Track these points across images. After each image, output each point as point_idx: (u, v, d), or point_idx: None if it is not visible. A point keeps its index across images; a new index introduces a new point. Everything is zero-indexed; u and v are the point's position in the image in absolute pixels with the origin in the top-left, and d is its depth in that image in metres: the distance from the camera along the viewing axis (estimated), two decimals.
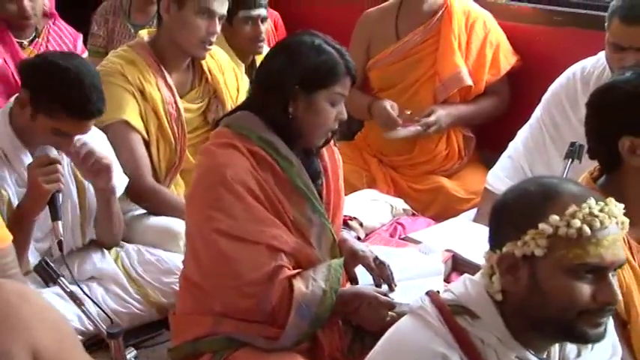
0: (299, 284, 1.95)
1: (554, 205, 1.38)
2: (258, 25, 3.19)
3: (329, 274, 1.99)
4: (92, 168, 2.23)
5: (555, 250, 1.37)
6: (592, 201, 1.38)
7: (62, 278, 1.83)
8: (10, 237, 1.89)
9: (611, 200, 1.41)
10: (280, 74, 2.00)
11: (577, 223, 1.35)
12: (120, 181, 2.43)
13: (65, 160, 2.28)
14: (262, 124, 2.02)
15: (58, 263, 2.01)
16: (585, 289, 1.36)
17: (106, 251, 2.47)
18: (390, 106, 3.15)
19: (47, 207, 2.13)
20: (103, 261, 2.43)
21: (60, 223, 2.11)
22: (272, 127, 2.01)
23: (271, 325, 1.96)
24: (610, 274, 1.38)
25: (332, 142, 2.19)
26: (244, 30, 3.18)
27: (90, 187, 2.35)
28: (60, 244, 2.09)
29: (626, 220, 1.42)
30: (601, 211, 1.37)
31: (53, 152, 2.17)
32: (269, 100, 2.02)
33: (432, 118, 3.13)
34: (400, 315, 1.83)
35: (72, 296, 1.83)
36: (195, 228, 2.02)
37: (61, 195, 2.16)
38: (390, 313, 1.97)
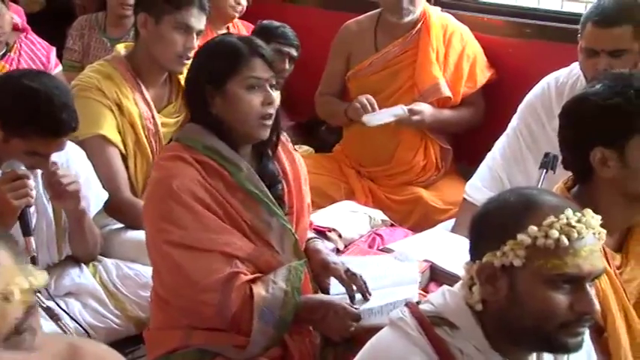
0: (258, 289, 1.93)
1: (533, 216, 1.38)
2: (285, 61, 3.32)
3: (289, 274, 1.98)
4: (58, 193, 2.19)
5: (534, 260, 1.37)
6: (569, 212, 1.38)
7: (38, 294, 1.79)
8: None
9: (588, 211, 1.41)
10: (192, 80, 2.04)
11: (555, 233, 1.35)
12: (99, 197, 2.40)
13: (38, 176, 2.24)
14: (205, 132, 2.01)
15: None
16: (563, 299, 1.36)
17: (84, 266, 2.43)
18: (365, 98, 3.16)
19: (18, 223, 2.08)
20: (81, 276, 2.39)
21: (32, 239, 2.07)
22: (214, 133, 2.00)
23: (237, 332, 1.94)
24: (587, 285, 1.38)
25: (292, 147, 2.18)
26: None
27: None
28: (33, 259, 2.05)
29: (603, 231, 1.42)
30: (578, 221, 1.37)
31: (21, 167, 2.13)
32: (194, 107, 2.05)
33: (418, 108, 3.14)
34: (365, 328, 1.83)
35: (48, 312, 1.80)
36: (151, 241, 2.02)
37: (32, 210, 2.13)
38: (354, 324, 1.95)
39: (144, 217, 2.07)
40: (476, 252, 1.44)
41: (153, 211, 2.00)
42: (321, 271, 2.16)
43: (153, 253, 2.03)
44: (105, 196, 2.45)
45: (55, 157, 2.27)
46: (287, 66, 3.46)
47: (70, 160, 2.35)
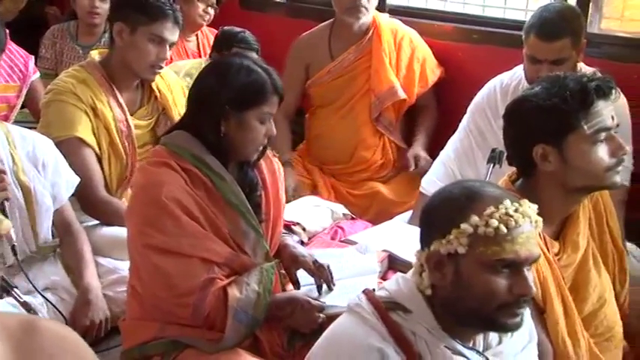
0: (233, 291, 1.94)
1: (475, 207, 1.41)
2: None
3: (261, 276, 1.99)
4: None
5: (475, 247, 1.39)
6: (508, 202, 1.41)
7: (16, 289, 1.78)
8: None
9: (525, 201, 1.44)
10: (211, 95, 1.98)
11: (494, 222, 1.38)
12: (70, 182, 2.37)
13: (8, 167, 2.21)
14: (196, 143, 2.00)
15: (14, 270, 1.94)
16: (502, 282, 1.39)
17: (59, 263, 2.39)
18: (293, 189, 3.12)
19: None
20: (57, 273, 2.35)
21: (11, 229, 2.05)
22: (205, 145, 2.00)
23: (210, 329, 1.95)
24: (525, 269, 1.41)
25: (271, 153, 2.19)
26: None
27: (36, 188, 2.26)
28: (13, 248, 2.04)
29: (540, 219, 1.46)
30: (516, 211, 1.40)
31: None
32: (201, 120, 2.00)
33: (415, 153, 3.22)
34: (331, 316, 1.86)
35: (25, 306, 1.77)
36: (132, 243, 2.01)
37: (7, 203, 2.10)
38: (321, 315, 1.98)
39: (127, 218, 2.05)
40: (425, 241, 1.47)
41: (137, 215, 1.98)
42: (290, 264, 2.17)
43: (134, 253, 2.01)
44: (76, 180, 2.41)
45: (20, 146, 2.25)
46: None
47: (37, 148, 2.30)
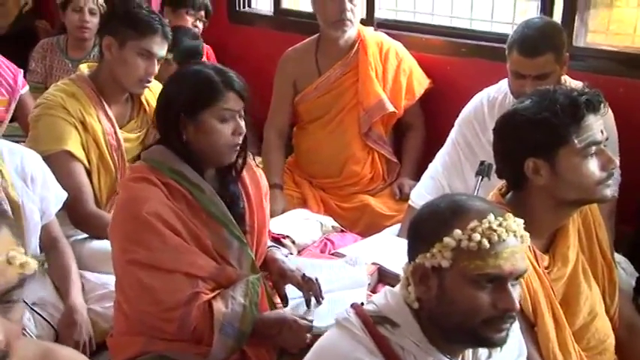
0: (218, 305, 1.91)
1: (460, 221, 1.39)
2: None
3: (247, 289, 1.96)
4: None
5: (459, 261, 1.38)
6: (492, 217, 1.39)
7: None
8: None
9: (510, 216, 1.42)
10: (166, 106, 1.98)
11: (477, 237, 1.37)
12: (58, 196, 2.35)
13: None
14: (172, 155, 1.97)
15: None
16: (486, 297, 1.37)
17: (47, 278, 2.36)
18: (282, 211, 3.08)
19: None
20: (44, 289, 2.32)
21: None
22: (180, 156, 1.97)
23: (198, 344, 1.92)
24: (510, 284, 1.39)
25: (254, 163, 2.15)
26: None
27: (25, 203, 2.23)
28: None
29: (526, 234, 1.44)
30: (499, 225, 1.38)
31: None
32: (165, 132, 2.00)
33: (402, 183, 3.24)
34: (319, 336, 1.83)
35: None
36: (116, 259, 1.98)
37: None
38: (308, 335, 1.95)
39: (110, 234, 2.02)
40: (411, 254, 1.45)
41: (119, 231, 1.96)
42: (279, 279, 2.15)
43: (118, 269, 1.99)
44: (64, 195, 2.39)
45: (9, 159, 2.22)
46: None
47: (25, 162, 2.28)
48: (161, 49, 2.59)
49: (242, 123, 1.99)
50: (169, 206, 1.92)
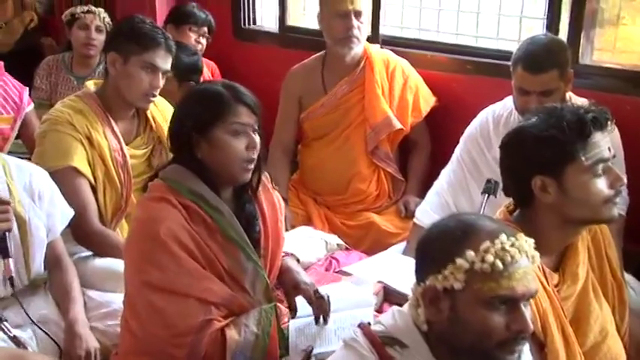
0: (232, 333, 1.89)
1: (471, 241, 1.38)
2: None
3: (260, 317, 1.95)
4: None
5: (472, 283, 1.36)
6: (504, 237, 1.38)
7: (5, 323, 1.73)
8: None
9: (521, 236, 1.41)
10: (177, 126, 1.98)
11: (490, 258, 1.35)
12: (65, 214, 2.35)
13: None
14: (191, 175, 1.96)
15: (4, 303, 1.89)
16: (500, 319, 1.36)
17: (50, 296, 2.34)
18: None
19: None
20: (46, 307, 2.30)
21: (11, 260, 2.04)
22: (198, 176, 1.96)
23: None
24: (522, 305, 1.38)
25: (271, 186, 2.14)
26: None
27: (31, 220, 2.23)
28: (11, 279, 2.02)
29: (536, 254, 1.43)
30: (512, 246, 1.37)
31: (2, 193, 2.07)
32: (179, 151, 1.99)
33: (408, 200, 3.22)
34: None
35: (14, 341, 1.72)
36: (130, 278, 1.96)
37: (9, 234, 2.07)
38: None
39: (125, 253, 2.01)
40: (420, 275, 1.43)
41: (135, 250, 1.94)
42: (291, 290, 2.12)
43: (130, 288, 1.97)
44: (70, 213, 2.38)
45: (17, 177, 2.22)
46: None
47: (33, 179, 2.28)
48: (165, 62, 2.59)
49: (256, 138, 1.97)
50: (187, 229, 1.90)
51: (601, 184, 1.74)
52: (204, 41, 3.71)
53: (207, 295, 1.89)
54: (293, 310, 2.12)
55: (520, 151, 1.78)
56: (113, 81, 2.62)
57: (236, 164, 1.95)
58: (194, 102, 1.97)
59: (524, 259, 1.38)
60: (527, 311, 1.38)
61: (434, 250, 1.42)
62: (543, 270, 1.76)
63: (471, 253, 1.36)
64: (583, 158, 1.71)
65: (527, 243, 1.40)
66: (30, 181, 2.27)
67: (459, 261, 1.36)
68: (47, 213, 2.29)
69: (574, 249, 1.85)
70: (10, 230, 2.06)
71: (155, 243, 1.86)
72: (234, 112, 1.93)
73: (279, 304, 2.12)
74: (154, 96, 2.62)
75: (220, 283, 1.93)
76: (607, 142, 1.75)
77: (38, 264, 2.28)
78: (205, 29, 3.72)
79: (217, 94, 1.94)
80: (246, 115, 1.95)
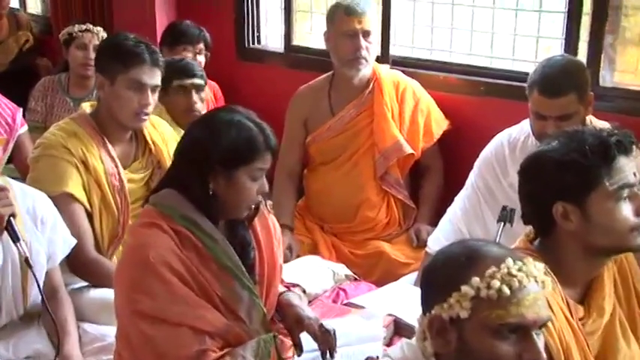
0: None
1: (476, 268, 1.36)
2: (191, 94, 3.17)
3: (258, 347, 1.92)
4: None
5: (479, 311, 1.35)
6: (510, 261, 1.36)
7: None
8: None
9: (529, 260, 1.39)
10: (199, 152, 1.93)
11: (496, 283, 1.34)
12: (67, 242, 2.35)
13: None
14: (185, 202, 1.94)
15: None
16: (510, 349, 1.34)
17: (44, 330, 2.31)
18: (286, 247, 3.06)
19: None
20: (40, 341, 2.28)
21: (22, 243, 2.04)
22: (194, 204, 1.94)
23: None
24: (534, 333, 1.36)
25: (266, 210, 2.13)
26: (178, 99, 3.15)
27: (33, 245, 2.22)
28: (27, 261, 2.04)
29: (547, 279, 1.41)
30: (519, 270, 1.36)
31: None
32: (189, 177, 1.95)
33: (419, 228, 3.20)
34: None
35: None
36: (120, 308, 1.94)
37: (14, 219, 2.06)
38: None
39: (115, 281, 1.99)
40: (426, 304, 1.42)
41: (125, 279, 1.92)
42: (294, 326, 2.10)
43: (122, 318, 1.95)
44: (72, 241, 2.38)
45: (21, 201, 2.22)
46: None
47: (37, 204, 2.28)
48: (151, 77, 2.57)
49: (266, 182, 2.00)
50: (178, 255, 1.89)
51: (626, 211, 1.71)
52: (202, 58, 3.69)
53: (200, 324, 1.87)
54: (299, 348, 2.10)
55: (540, 176, 1.76)
56: (105, 103, 2.62)
57: (244, 205, 1.97)
58: (224, 135, 1.92)
59: (532, 284, 1.36)
60: (540, 340, 1.36)
61: (439, 277, 1.41)
62: (567, 302, 1.72)
63: (476, 280, 1.35)
64: (607, 184, 1.69)
65: (536, 268, 1.39)
66: (34, 206, 2.27)
67: (464, 288, 1.35)
68: (49, 239, 2.28)
69: (600, 281, 1.81)
70: (14, 215, 2.05)
71: (145, 269, 1.85)
72: (262, 158, 1.95)
73: (282, 337, 2.09)
74: (147, 114, 2.60)
75: (215, 311, 1.91)
76: (632, 167, 1.73)
77: (35, 293, 2.25)
78: (202, 46, 3.71)
79: (252, 138, 1.93)
80: (269, 161, 1.98)
